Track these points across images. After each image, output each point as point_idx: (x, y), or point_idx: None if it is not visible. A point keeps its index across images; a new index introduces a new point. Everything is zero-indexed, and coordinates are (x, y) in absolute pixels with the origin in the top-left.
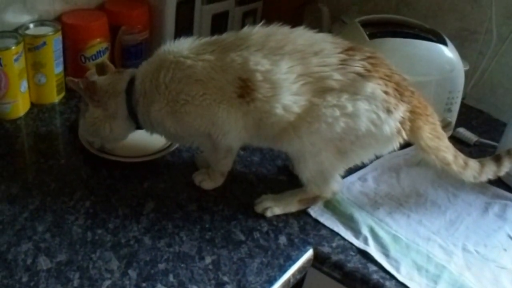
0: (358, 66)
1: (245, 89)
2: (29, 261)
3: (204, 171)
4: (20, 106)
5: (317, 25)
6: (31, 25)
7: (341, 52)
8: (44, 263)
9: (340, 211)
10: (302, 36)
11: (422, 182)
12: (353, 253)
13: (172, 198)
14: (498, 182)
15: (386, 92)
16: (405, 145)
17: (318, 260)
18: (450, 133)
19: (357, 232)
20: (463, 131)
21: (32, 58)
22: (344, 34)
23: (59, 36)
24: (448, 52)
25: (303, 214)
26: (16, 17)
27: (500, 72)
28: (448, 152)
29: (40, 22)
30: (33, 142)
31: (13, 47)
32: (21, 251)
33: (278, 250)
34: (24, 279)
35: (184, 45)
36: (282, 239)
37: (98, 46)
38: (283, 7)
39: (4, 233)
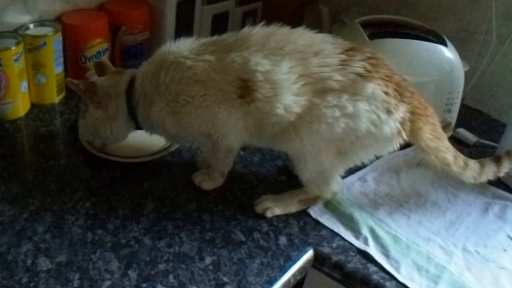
0: (358, 66)
1: (245, 89)
2: (29, 261)
3: (204, 171)
4: (20, 106)
5: (317, 26)
6: (31, 25)
7: (341, 53)
8: (44, 263)
9: (340, 211)
10: (303, 36)
11: (422, 182)
12: (353, 254)
13: (172, 199)
14: (498, 183)
15: (386, 93)
16: (405, 145)
17: (318, 261)
18: (450, 133)
19: (357, 233)
20: (463, 132)
21: (32, 58)
22: (344, 34)
23: (59, 37)
24: (448, 52)
25: (303, 214)
26: (16, 17)
27: (500, 72)
28: (448, 153)
29: (40, 22)
30: (33, 143)
31: (13, 48)
32: (21, 252)
33: (278, 250)
34: (24, 280)
35: (184, 46)
36: (282, 240)
37: (98, 46)
38: (283, 7)
39: (4, 234)
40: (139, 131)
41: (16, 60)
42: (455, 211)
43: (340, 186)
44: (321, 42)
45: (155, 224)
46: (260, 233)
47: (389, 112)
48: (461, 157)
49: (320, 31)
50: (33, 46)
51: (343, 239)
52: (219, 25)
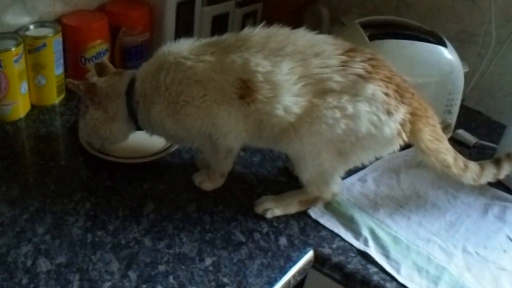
0: (358, 67)
1: (245, 90)
2: (29, 263)
3: (204, 172)
4: (20, 107)
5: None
6: (31, 26)
7: (341, 54)
8: (44, 265)
9: (340, 212)
10: (303, 37)
11: (422, 183)
12: (353, 255)
13: (172, 199)
14: (498, 184)
15: (386, 94)
16: (405, 146)
17: (319, 262)
18: (449, 134)
19: (357, 234)
20: (462, 133)
21: (32, 59)
22: (344, 35)
23: (59, 38)
24: (447, 53)
25: (303, 215)
26: (16, 18)
27: (499, 74)
28: (448, 155)
29: (40, 23)
30: (33, 144)
31: (13, 49)
32: (21, 253)
33: (278, 251)
34: (24, 281)
35: (184, 46)
36: (283, 241)
37: (98, 47)
38: (283, 8)
39: (4, 235)
40: (139, 132)
41: (16, 61)
42: (455, 212)
43: (340, 187)
44: (321, 43)
45: (155, 225)
46: (260, 234)
47: (389, 113)
48: (461, 159)
49: (320, 32)
50: (33, 47)
51: (343, 240)
52: (219, 26)
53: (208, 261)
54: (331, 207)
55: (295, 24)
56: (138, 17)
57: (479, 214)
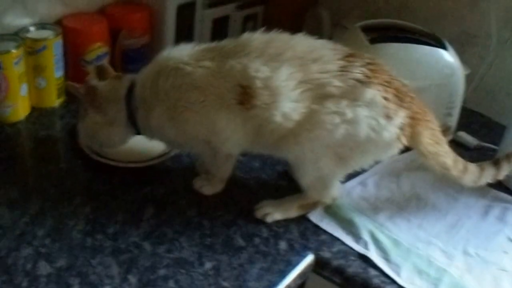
0: (357, 72)
1: (244, 96)
2: (29, 266)
3: (204, 176)
4: (20, 109)
5: (317, 30)
6: (32, 28)
7: (340, 59)
8: (44, 268)
9: (340, 216)
10: (302, 42)
11: (422, 186)
12: (353, 258)
13: (172, 204)
14: (498, 185)
15: (386, 98)
16: (405, 149)
17: (319, 265)
18: (450, 137)
19: (357, 237)
20: (463, 135)
21: (32, 61)
22: (345, 39)
23: (59, 40)
24: (448, 56)
25: (303, 219)
26: (16, 20)
27: (500, 75)
28: (448, 157)
29: (40, 26)
30: (33, 146)
31: (13, 51)
32: (21, 256)
33: (278, 255)
34: (24, 284)
35: (183, 52)
36: (282, 245)
37: (98, 50)
38: (284, 11)
39: (4, 238)
40: (139, 136)
41: (16, 63)
42: (455, 214)
43: (339, 191)
44: (320, 48)
45: (155, 229)
46: (260, 238)
47: (388, 117)
48: (461, 161)
49: (321, 35)
50: (33, 50)
51: (343, 243)
52: (220, 29)
53: (208, 266)
54: (331, 211)
55: (295, 27)
56: (138, 20)
57: (480, 216)
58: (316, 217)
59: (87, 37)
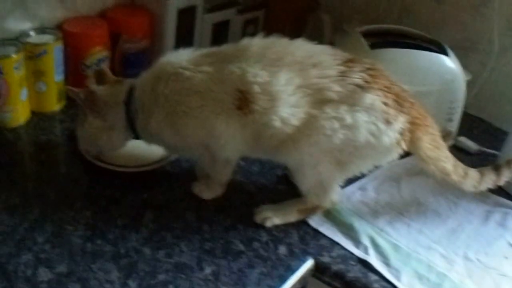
0: (357, 77)
1: (243, 101)
2: (29, 272)
3: (203, 181)
4: (20, 114)
5: (318, 34)
6: (32, 33)
7: (340, 64)
8: (44, 274)
9: (340, 220)
10: (301, 47)
11: (422, 191)
12: (353, 263)
13: (171, 208)
14: (499, 191)
15: (385, 103)
16: (406, 154)
17: (319, 270)
18: (451, 142)
19: (357, 242)
20: (464, 140)
21: (32, 66)
22: (346, 44)
23: (60, 44)
24: (449, 62)
25: (302, 224)
26: (17, 24)
27: (502, 81)
28: (448, 162)
29: (40, 30)
30: (33, 151)
31: (13, 55)
32: (21, 262)
33: (278, 260)
34: None
35: (183, 57)
36: (282, 249)
37: (98, 54)
38: (285, 16)
39: (4, 244)
40: (138, 141)
41: (16, 68)
42: (456, 219)
43: (339, 196)
44: (320, 53)
45: (155, 234)
46: (260, 243)
47: (388, 122)
48: (461, 166)
49: (322, 40)
50: (33, 54)
51: (343, 248)
52: (220, 33)
53: (208, 270)
54: (331, 216)
55: (296, 31)
56: (138, 24)
57: (480, 221)
58: (315, 221)
59: (87, 41)
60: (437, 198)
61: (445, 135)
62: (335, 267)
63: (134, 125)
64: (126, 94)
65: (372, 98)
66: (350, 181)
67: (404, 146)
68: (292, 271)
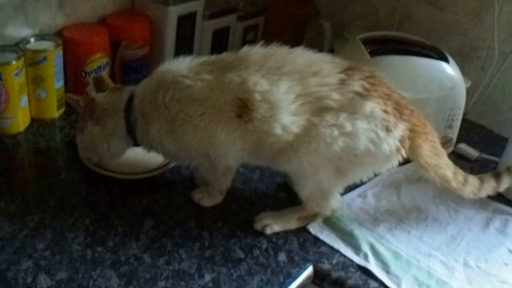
0: (357, 85)
1: (243, 109)
2: (29, 279)
3: (203, 188)
4: (20, 121)
5: (319, 41)
6: (32, 39)
7: (340, 72)
8: (44, 281)
9: (340, 227)
10: (301, 56)
11: (422, 198)
12: (353, 270)
13: (171, 216)
14: (499, 197)
15: (385, 111)
16: (406, 161)
17: (318, 277)
18: (451, 149)
19: (357, 249)
20: (464, 147)
21: (32, 73)
22: (345, 51)
23: (59, 51)
24: (449, 69)
25: (302, 231)
26: (17, 31)
27: (502, 87)
28: (448, 169)
29: (40, 37)
30: (32, 158)
31: (13, 62)
32: (21, 269)
33: (278, 267)
34: None
35: (183, 65)
36: (282, 256)
37: (98, 61)
38: (285, 22)
39: (4, 251)
40: (138, 148)
41: (16, 74)
42: (456, 226)
43: (339, 203)
44: (319, 61)
45: (155, 241)
46: (260, 250)
47: (388, 130)
48: (461, 173)
49: (322, 47)
50: (33, 61)
51: (343, 255)
52: (220, 40)
53: (208, 278)
54: (331, 223)
55: (297, 37)
56: (138, 31)
57: (481, 228)
58: (315, 228)
59: (87, 48)
60: (437, 205)
61: (445, 142)
62: (335, 274)
63: (134, 132)
64: (125, 101)
65: (372, 106)
66: (350, 188)
67: (404, 153)
68: (292, 278)
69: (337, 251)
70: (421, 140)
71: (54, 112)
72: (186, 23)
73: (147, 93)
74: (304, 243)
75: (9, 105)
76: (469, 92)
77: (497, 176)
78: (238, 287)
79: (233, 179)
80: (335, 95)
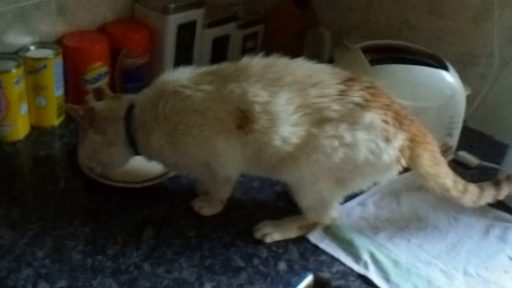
0: (356, 96)
1: (243, 120)
2: (29, 287)
3: (203, 197)
4: (20, 129)
5: (318, 50)
6: (32, 47)
7: (340, 83)
8: None
9: (340, 236)
10: (301, 67)
11: (422, 206)
12: (353, 279)
13: (171, 225)
14: (499, 205)
15: (385, 121)
16: (406, 169)
17: (318, 286)
18: (451, 157)
19: (357, 257)
20: (464, 155)
21: (32, 81)
22: (345, 60)
23: (59, 59)
24: (449, 77)
25: (302, 239)
26: (17, 39)
27: (503, 95)
28: (448, 178)
29: (40, 44)
30: (32, 166)
31: (13, 70)
32: (21, 277)
33: (277, 276)
34: None
35: (183, 75)
36: (282, 265)
37: (98, 69)
38: (285, 30)
39: (3, 259)
40: (138, 157)
41: (16, 82)
42: (456, 234)
43: (339, 212)
44: (319, 72)
45: (155, 250)
46: (260, 259)
47: (388, 140)
48: (461, 182)
49: (322, 55)
50: (33, 69)
51: (343, 264)
52: (220, 48)
53: (208, 286)
54: (331, 232)
55: (296, 46)
56: (138, 39)
57: (481, 236)
58: (315, 237)
59: (87, 56)
60: (437, 213)
61: (445, 150)
62: (335, 283)
63: (134, 141)
64: (125, 110)
65: (372, 117)
66: (349, 197)
67: (403, 163)
68: (292, 287)
69: (337, 259)
70: (421, 150)
71: (54, 120)
72: (186, 31)
73: (147, 103)
74: (304, 252)
75: (9, 113)
76: (469, 99)
77: (497, 184)
78: None
79: (233, 188)
80: (335, 106)
